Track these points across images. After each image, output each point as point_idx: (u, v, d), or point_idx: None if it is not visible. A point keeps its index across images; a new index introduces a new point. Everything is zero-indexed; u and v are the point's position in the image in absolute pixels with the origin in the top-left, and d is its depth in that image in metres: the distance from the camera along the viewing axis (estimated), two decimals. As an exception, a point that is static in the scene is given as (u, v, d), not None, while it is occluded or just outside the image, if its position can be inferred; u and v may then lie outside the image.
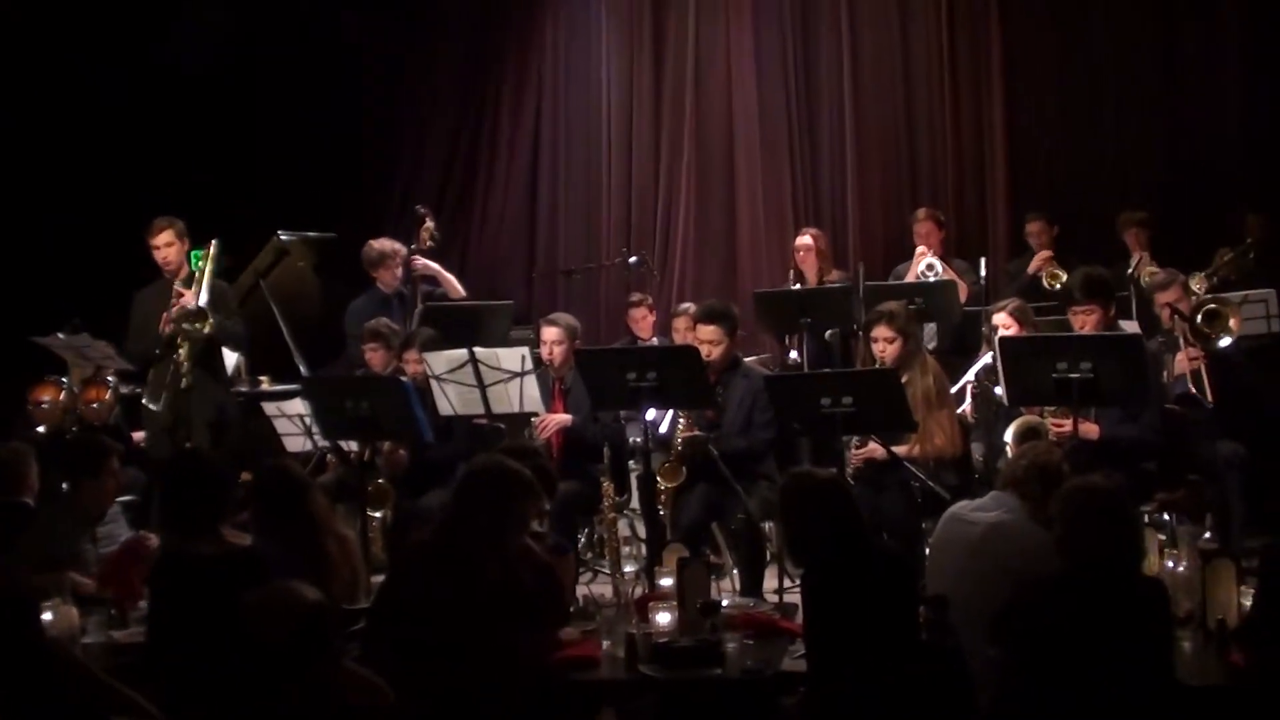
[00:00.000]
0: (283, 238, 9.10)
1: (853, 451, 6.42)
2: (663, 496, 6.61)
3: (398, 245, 8.60)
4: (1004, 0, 10.40)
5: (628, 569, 6.95)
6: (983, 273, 9.04)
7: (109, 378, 8.05)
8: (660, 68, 10.94)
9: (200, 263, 7.55)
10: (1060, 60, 10.39)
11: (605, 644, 4.80)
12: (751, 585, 6.36)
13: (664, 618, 4.79)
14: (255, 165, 10.43)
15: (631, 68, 10.97)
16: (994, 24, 10.39)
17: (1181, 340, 6.98)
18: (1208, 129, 10.11)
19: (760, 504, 6.41)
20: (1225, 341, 6.76)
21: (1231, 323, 6.78)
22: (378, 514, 7.00)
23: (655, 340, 8.87)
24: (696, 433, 6.58)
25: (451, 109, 11.25)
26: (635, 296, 9.23)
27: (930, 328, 8.14)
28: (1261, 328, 7.51)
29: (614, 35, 11.04)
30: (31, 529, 5.60)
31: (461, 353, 6.82)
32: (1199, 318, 6.82)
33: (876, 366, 6.51)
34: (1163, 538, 5.41)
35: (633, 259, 9.77)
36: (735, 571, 6.63)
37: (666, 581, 5.20)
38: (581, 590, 6.22)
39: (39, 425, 7.90)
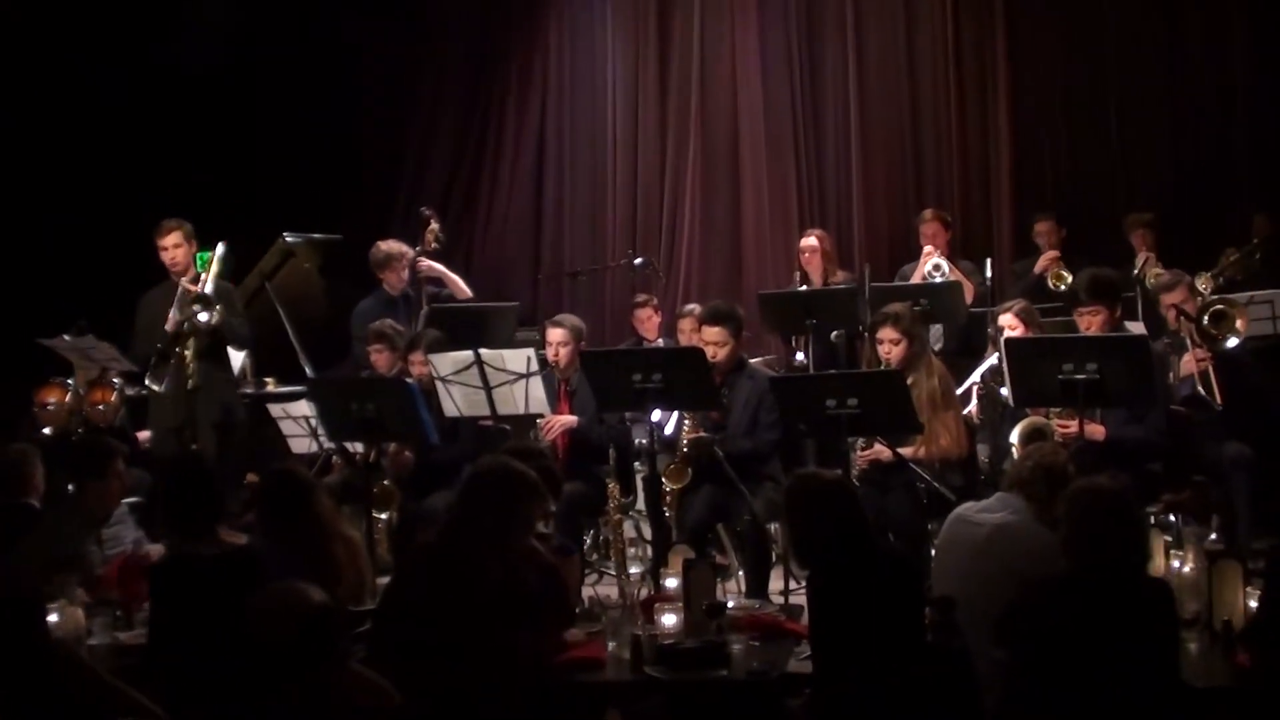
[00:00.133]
0: (288, 239, 9.10)
1: (858, 453, 6.42)
2: (668, 498, 6.61)
3: (405, 247, 8.61)
4: (1009, 0, 10.40)
5: (633, 570, 6.97)
6: (988, 273, 9.03)
7: (114, 379, 8.05)
8: (665, 68, 10.93)
9: (207, 264, 7.56)
10: (1065, 60, 10.38)
11: (610, 645, 4.79)
12: (757, 587, 6.35)
13: (669, 619, 4.79)
14: (260, 166, 10.44)
15: (636, 68, 10.96)
16: (999, 23, 10.38)
17: (1188, 341, 6.97)
18: (1213, 129, 10.11)
19: (765, 505, 6.40)
20: (1232, 342, 6.76)
21: (1238, 323, 6.77)
22: (383, 515, 7.01)
23: (661, 341, 8.87)
24: (702, 434, 6.59)
25: (457, 110, 11.25)
26: (640, 297, 9.24)
27: (936, 329, 8.14)
28: (1268, 328, 7.48)
29: (619, 35, 11.03)
30: (37, 530, 5.60)
31: (467, 354, 6.82)
32: (1205, 319, 6.81)
33: (882, 368, 6.51)
34: (1168, 539, 5.40)
35: (638, 260, 9.76)
36: (740, 573, 6.63)
37: (672, 583, 5.20)
38: (587, 592, 6.23)
39: (44, 427, 7.92)
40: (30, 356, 8.22)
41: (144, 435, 7.90)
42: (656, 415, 6.55)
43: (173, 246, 7.56)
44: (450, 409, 6.94)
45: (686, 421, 6.64)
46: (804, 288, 8.80)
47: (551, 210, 11.13)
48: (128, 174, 9.91)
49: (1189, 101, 10.17)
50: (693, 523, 6.49)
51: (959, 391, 6.80)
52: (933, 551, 5.61)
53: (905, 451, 6.31)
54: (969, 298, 8.46)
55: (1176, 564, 4.87)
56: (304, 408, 7.28)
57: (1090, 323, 6.53)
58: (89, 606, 5.03)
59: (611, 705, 4.68)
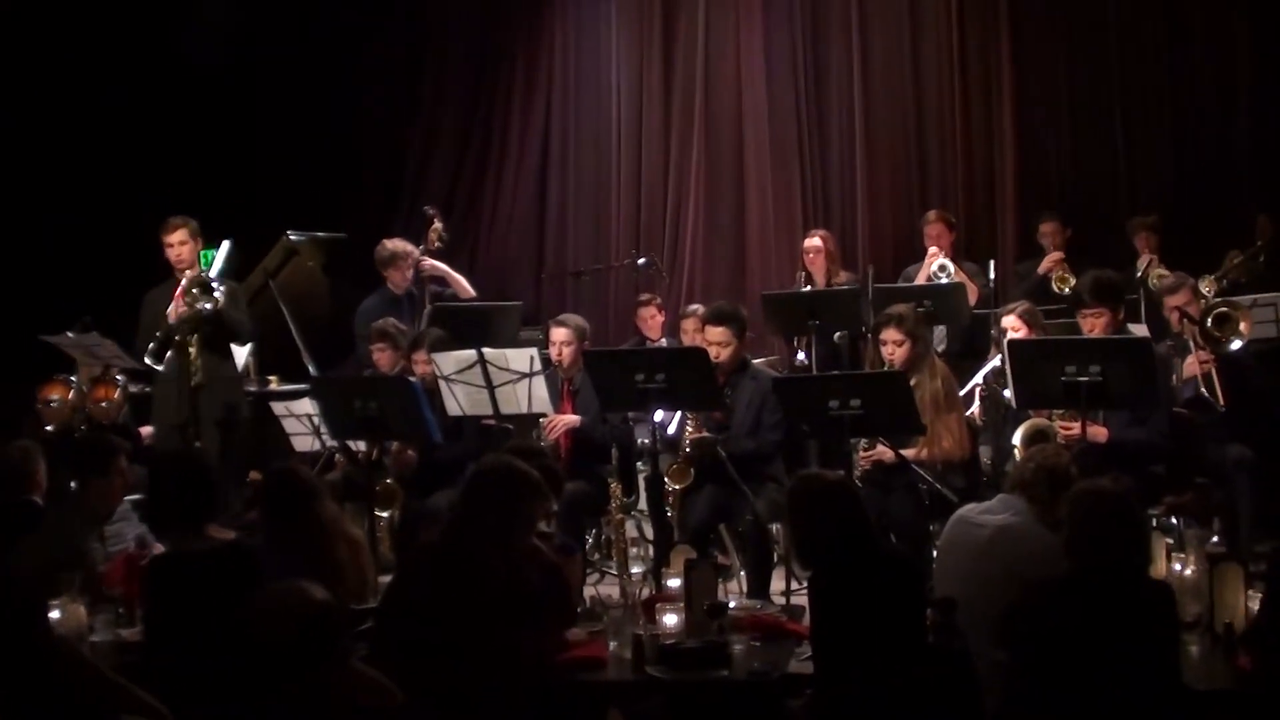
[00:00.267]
0: (292, 238, 9.11)
1: (861, 454, 6.42)
2: (670, 498, 6.61)
3: (410, 246, 8.61)
4: (1014, 2, 10.40)
5: (635, 570, 6.96)
6: (991, 275, 9.03)
7: (118, 376, 8.06)
8: (670, 68, 10.93)
9: (211, 262, 7.57)
10: (1069, 63, 10.38)
11: (612, 645, 4.80)
12: (759, 587, 6.35)
13: (671, 619, 4.80)
14: (263, 165, 10.45)
15: (641, 68, 10.97)
16: (1004, 26, 10.39)
17: (1191, 343, 6.97)
18: (1217, 131, 10.11)
19: (768, 506, 6.40)
20: (1235, 345, 6.75)
21: (1241, 326, 6.77)
22: (385, 514, 7.02)
23: (664, 341, 8.87)
24: (704, 434, 6.58)
25: (460, 109, 11.27)
26: (644, 297, 9.24)
27: (940, 330, 8.13)
28: (1271, 331, 7.47)
29: (623, 35, 11.04)
30: (40, 528, 5.61)
31: (470, 353, 6.82)
32: (1209, 321, 6.81)
33: (885, 369, 6.51)
34: (1170, 541, 5.39)
35: (641, 260, 9.76)
36: (742, 573, 6.63)
37: (674, 583, 5.21)
38: (589, 591, 6.24)
39: (48, 424, 7.92)
40: (33, 353, 8.23)
41: (147, 431, 7.91)
42: (659, 415, 6.56)
43: (179, 243, 7.57)
44: (453, 408, 6.95)
45: (689, 421, 6.64)
46: (807, 288, 8.80)
47: (555, 210, 11.14)
48: (131, 172, 9.92)
49: (1192, 104, 10.18)
50: (695, 523, 6.49)
51: (962, 393, 6.80)
52: (934, 553, 5.61)
53: (908, 453, 6.31)
54: (972, 299, 8.46)
55: (1178, 566, 4.86)
56: (307, 406, 7.29)
57: (1093, 325, 6.53)
58: (91, 604, 5.04)
59: (613, 705, 4.67)
